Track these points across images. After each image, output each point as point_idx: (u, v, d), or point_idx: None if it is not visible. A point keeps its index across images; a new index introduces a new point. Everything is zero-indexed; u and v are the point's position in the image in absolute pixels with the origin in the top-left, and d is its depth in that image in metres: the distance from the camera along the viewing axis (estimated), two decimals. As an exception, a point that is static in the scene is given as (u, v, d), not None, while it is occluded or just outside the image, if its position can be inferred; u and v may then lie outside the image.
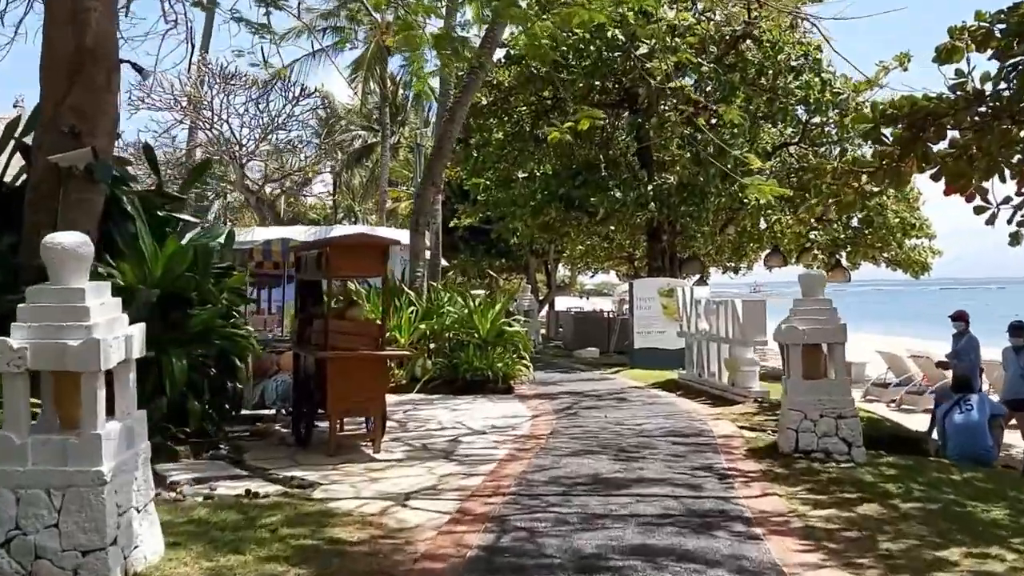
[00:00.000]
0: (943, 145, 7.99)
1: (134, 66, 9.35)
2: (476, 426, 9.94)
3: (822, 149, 21.09)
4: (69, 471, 4.30)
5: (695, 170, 19.19)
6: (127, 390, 4.72)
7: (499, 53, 20.13)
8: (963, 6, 8.21)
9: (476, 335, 13.93)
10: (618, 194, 18.79)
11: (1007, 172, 7.69)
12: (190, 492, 6.44)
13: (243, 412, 9.55)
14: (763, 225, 22.41)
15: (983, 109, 7.85)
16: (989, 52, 7.73)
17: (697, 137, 18.49)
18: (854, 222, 22.67)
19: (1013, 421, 10.05)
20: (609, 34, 17.78)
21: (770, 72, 18.85)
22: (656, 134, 19.89)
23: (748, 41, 18.70)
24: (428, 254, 17.96)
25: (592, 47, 18.46)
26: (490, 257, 33.11)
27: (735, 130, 17.95)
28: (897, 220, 22.36)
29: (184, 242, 8.62)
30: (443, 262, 23.46)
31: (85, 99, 8.17)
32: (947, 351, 12.60)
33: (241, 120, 22.08)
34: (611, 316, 27.44)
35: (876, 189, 10.96)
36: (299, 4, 13.12)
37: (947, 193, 8.01)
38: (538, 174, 21.63)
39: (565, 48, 18.02)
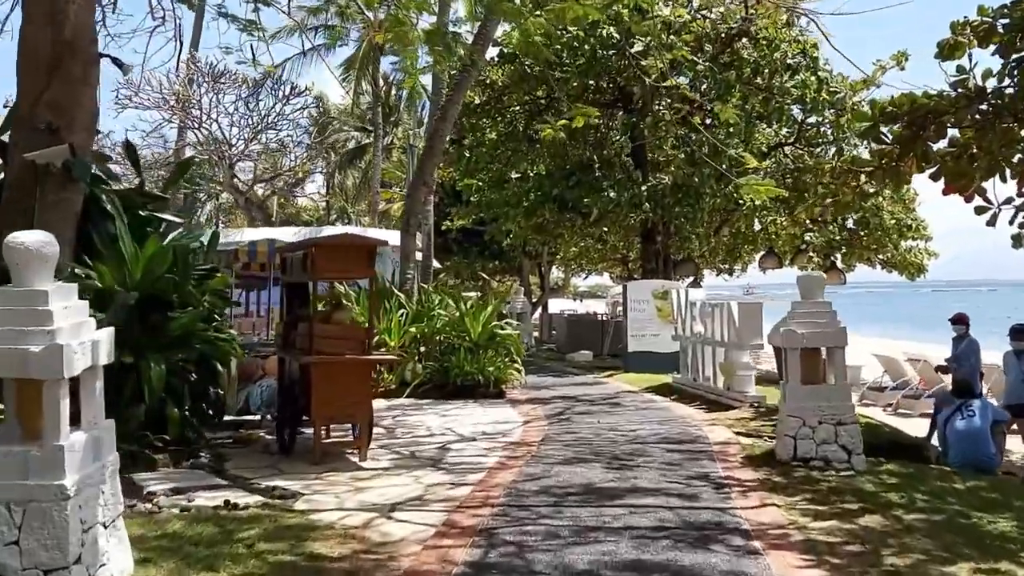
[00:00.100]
0: (943, 144, 7.82)
1: (114, 60, 9.07)
2: (466, 432, 9.71)
3: (818, 150, 20.93)
4: (30, 485, 4.04)
5: (690, 170, 18.99)
6: (94, 398, 4.46)
7: (492, 52, 19.92)
8: (965, 1, 8.02)
9: (467, 338, 13.68)
10: (612, 194, 18.57)
11: (1008, 172, 7.54)
12: (166, 503, 6.19)
13: (226, 418, 9.30)
14: (758, 226, 22.25)
15: (984, 107, 7.68)
16: (991, 48, 7.58)
17: (692, 137, 18.29)
18: (849, 223, 22.56)
19: (1014, 426, 9.86)
20: (603, 32, 17.60)
21: (766, 71, 18.66)
22: (650, 133, 19.68)
23: (744, 39, 18.49)
24: (419, 255, 17.71)
25: (586, 45, 18.23)
26: (483, 259, 32.88)
27: (730, 129, 17.74)
28: (893, 221, 22.24)
29: (166, 243, 8.38)
30: (435, 264, 23.22)
31: (62, 94, 7.92)
32: (943, 354, 12.46)
33: (230, 119, 21.80)
34: (605, 318, 27.24)
35: (874, 189, 10.83)
36: (289, 1, 12.82)
37: (946, 193, 7.83)
38: (531, 174, 21.41)
39: (559, 46, 17.78)
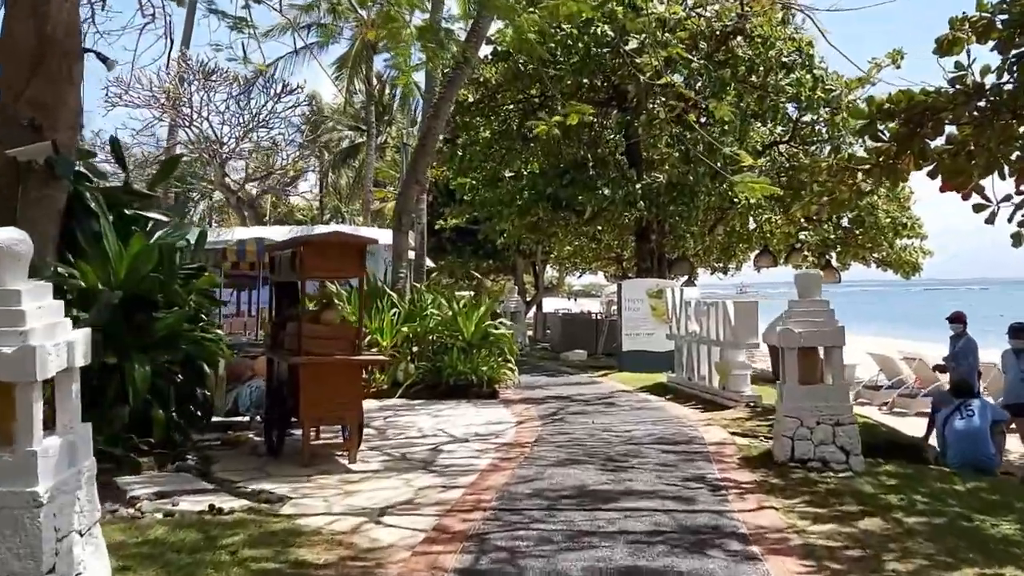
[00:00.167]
0: (940, 141, 7.73)
1: (98, 55, 8.90)
2: (458, 433, 9.56)
3: (812, 148, 20.84)
4: (1, 491, 3.88)
5: (684, 169, 18.88)
6: (69, 402, 4.30)
7: (486, 50, 19.78)
8: (963, -2, 7.94)
9: (460, 338, 13.54)
10: (607, 191, 18.44)
11: (1006, 169, 7.44)
12: (150, 508, 6.02)
13: (215, 420, 9.13)
14: (752, 225, 22.15)
15: (983, 103, 7.59)
16: (990, 44, 7.48)
17: (687, 135, 18.17)
18: (844, 222, 22.48)
19: (1013, 426, 9.75)
20: (598, 29, 17.48)
21: (761, 69, 18.56)
22: (645, 132, 19.56)
23: (739, 37, 18.38)
24: (412, 255, 17.56)
25: (580, 43, 18.10)
26: (477, 258, 32.75)
27: (725, 127, 17.63)
28: (888, 220, 22.16)
29: (151, 241, 8.20)
30: (429, 263, 23.09)
31: (45, 90, 7.75)
32: (938, 352, 12.35)
33: (222, 118, 21.59)
34: (599, 318, 27.11)
35: (871, 187, 10.72)
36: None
37: (943, 190, 7.74)
38: (525, 173, 21.27)
39: (553, 44, 17.66)
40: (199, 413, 8.42)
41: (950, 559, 4.92)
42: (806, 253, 22.51)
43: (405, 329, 13.53)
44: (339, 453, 8.04)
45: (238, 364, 10.17)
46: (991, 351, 13.28)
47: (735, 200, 18.77)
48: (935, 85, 7.65)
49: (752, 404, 11.34)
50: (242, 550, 4.95)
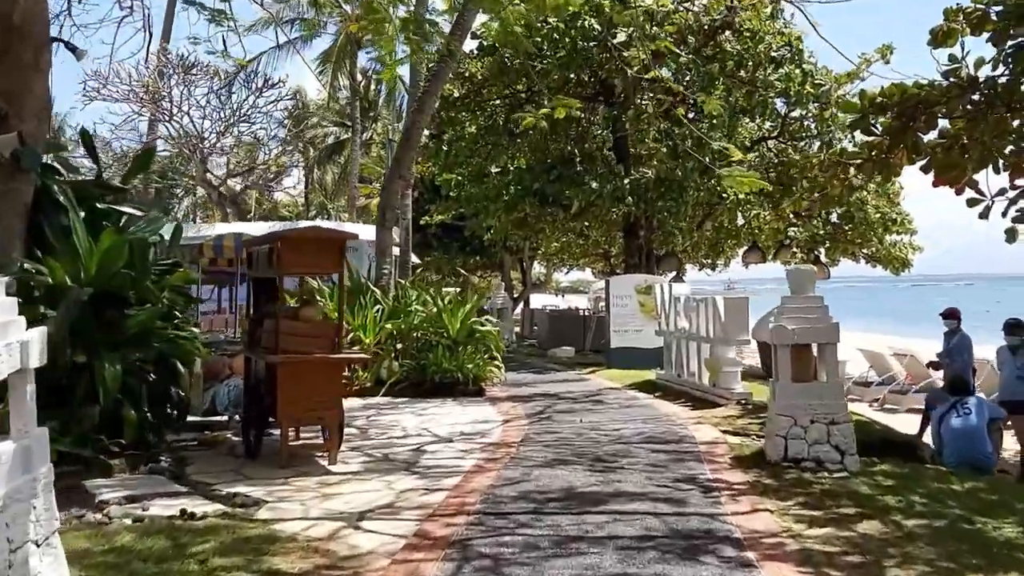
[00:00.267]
0: (933, 135, 7.57)
1: (67, 45, 8.62)
2: (443, 433, 9.32)
3: (801, 144, 20.70)
4: (-51, 501, 3.64)
5: (673, 164, 18.67)
6: (24, 405, 4.03)
7: (471, 44, 19.54)
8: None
9: (445, 335, 13.30)
10: (594, 185, 18.22)
11: (1000, 163, 7.28)
12: (118, 513, 5.76)
13: (192, 419, 8.86)
14: (741, 221, 21.98)
15: (977, 96, 7.42)
16: (984, 36, 7.32)
17: (675, 130, 17.97)
18: (833, 217, 22.36)
19: (1009, 423, 9.59)
20: (585, 23, 17.26)
21: (750, 64, 18.38)
22: (633, 126, 19.36)
23: (727, 32, 18.20)
24: (397, 251, 17.29)
25: (567, 37, 17.86)
26: (464, 255, 32.50)
27: (713, 122, 17.44)
28: (878, 215, 22.05)
29: (124, 236, 7.91)
30: (414, 259, 22.82)
31: (11, 80, 7.48)
32: (929, 348, 12.19)
33: (202, 112, 21.20)
34: (587, 314, 26.90)
35: (862, 182, 10.55)
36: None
37: (936, 185, 7.57)
38: (512, 169, 21.03)
39: (539, 38, 17.43)
40: (174, 413, 8.14)
41: (953, 564, 4.73)
42: (795, 249, 22.38)
43: (389, 326, 13.28)
44: (319, 454, 7.80)
45: (216, 362, 9.90)
46: (981, 347, 13.15)
47: (724, 196, 18.60)
48: (927, 78, 7.50)
49: (743, 401, 11.16)
50: (212, 558, 4.70)
